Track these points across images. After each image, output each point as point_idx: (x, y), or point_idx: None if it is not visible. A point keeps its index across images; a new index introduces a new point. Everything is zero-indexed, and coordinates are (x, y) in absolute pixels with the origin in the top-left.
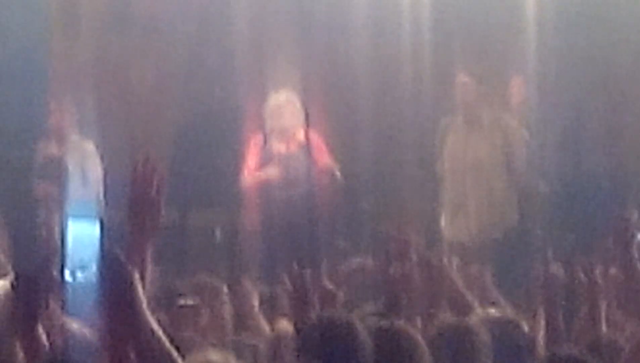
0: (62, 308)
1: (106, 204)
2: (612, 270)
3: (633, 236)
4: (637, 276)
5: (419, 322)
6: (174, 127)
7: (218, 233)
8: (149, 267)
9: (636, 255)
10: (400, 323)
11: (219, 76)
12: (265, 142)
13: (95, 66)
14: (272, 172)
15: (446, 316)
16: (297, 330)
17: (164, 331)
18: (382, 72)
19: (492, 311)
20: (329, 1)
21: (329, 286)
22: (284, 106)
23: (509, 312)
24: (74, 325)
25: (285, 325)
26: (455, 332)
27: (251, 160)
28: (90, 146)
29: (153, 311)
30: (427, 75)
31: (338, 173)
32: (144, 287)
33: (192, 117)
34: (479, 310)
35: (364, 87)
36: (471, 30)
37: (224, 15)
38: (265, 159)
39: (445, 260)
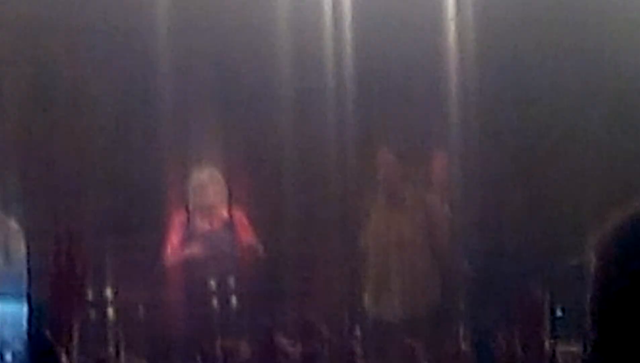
0: None
1: (30, 282)
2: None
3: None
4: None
5: None
6: (98, 203)
7: (141, 310)
8: (76, 344)
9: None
10: None
11: (143, 151)
12: (188, 219)
13: (18, 143)
14: (196, 250)
15: None
16: None
17: None
18: (305, 148)
19: None
20: (253, 77)
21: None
22: (207, 183)
23: None
24: None
25: None
26: None
27: (174, 238)
28: (13, 224)
29: None
30: (350, 151)
31: (261, 251)
32: None
33: (116, 193)
34: None
35: (288, 164)
36: (394, 105)
37: (147, 90)
38: (189, 237)
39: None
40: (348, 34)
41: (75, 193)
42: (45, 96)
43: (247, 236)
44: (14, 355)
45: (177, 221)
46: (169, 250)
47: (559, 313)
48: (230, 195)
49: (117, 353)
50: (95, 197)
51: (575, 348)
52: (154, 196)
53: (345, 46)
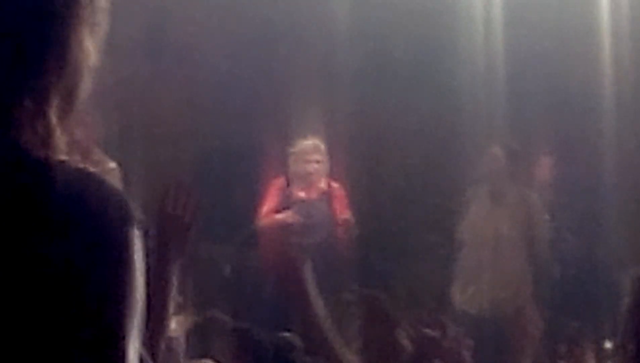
0: None
1: None
2: None
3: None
4: None
5: None
6: (195, 158)
7: (227, 269)
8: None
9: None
10: None
11: (246, 114)
12: (287, 186)
13: (123, 88)
14: (290, 216)
15: None
16: None
17: None
18: (412, 131)
19: None
20: (364, 53)
21: None
22: (310, 152)
23: None
24: None
25: None
26: None
27: (270, 202)
28: (112, 165)
29: None
30: (458, 141)
31: (354, 227)
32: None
33: (214, 151)
34: None
35: (392, 144)
36: (511, 101)
37: (256, 55)
38: (285, 203)
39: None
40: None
41: (173, 145)
42: (155, 46)
43: (342, 209)
44: None
45: (275, 186)
46: (263, 213)
47: None
48: (331, 167)
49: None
50: (194, 151)
51: None
52: (253, 158)
53: (479, 39)
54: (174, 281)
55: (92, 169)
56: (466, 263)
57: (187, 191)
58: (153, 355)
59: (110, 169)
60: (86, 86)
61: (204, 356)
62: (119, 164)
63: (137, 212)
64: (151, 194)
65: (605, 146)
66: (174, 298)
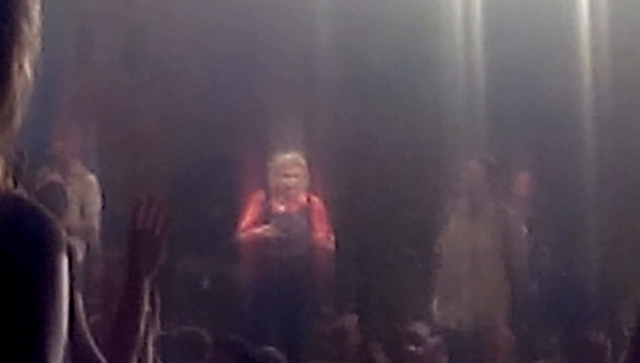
0: None
1: (101, 238)
2: None
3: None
4: None
5: None
6: (173, 171)
7: (206, 282)
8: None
9: None
10: None
11: (224, 128)
12: (266, 200)
13: (102, 99)
14: (269, 230)
15: None
16: None
17: None
18: (391, 145)
19: None
20: (344, 67)
21: None
22: (289, 166)
23: None
24: None
25: None
26: None
27: (250, 215)
28: (91, 178)
29: None
30: (437, 155)
31: (333, 241)
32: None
33: (192, 164)
34: None
35: (371, 159)
36: (489, 117)
37: (234, 69)
38: (264, 217)
39: None
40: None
41: (152, 156)
42: (134, 57)
43: (321, 223)
44: None
45: (255, 199)
46: (242, 227)
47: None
48: (311, 181)
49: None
50: (172, 163)
51: None
52: (231, 171)
53: (458, 54)
54: (146, 294)
55: (24, 195)
56: (445, 277)
57: (158, 205)
58: None
59: (89, 182)
60: (24, 110)
61: None
62: (98, 177)
63: (65, 237)
64: (129, 206)
65: (583, 161)
66: (146, 311)
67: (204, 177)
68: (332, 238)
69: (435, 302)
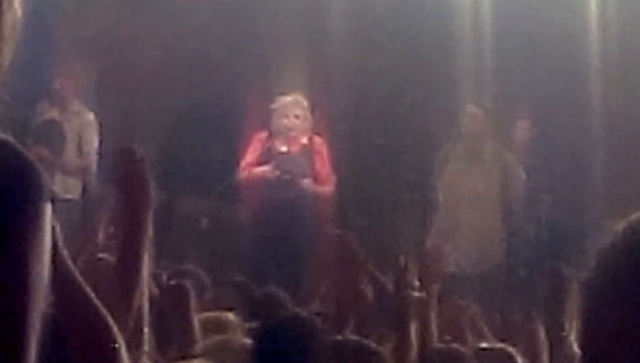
0: None
1: (98, 177)
2: None
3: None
4: None
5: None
6: (174, 111)
7: (204, 222)
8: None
9: None
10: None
11: (225, 68)
12: (268, 140)
13: (104, 38)
14: (269, 170)
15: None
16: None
17: None
18: (393, 88)
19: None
20: (347, 10)
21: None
22: (292, 107)
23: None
24: None
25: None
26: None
27: (251, 155)
28: (90, 116)
29: None
30: (436, 99)
31: (334, 182)
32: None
33: (193, 104)
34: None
35: (373, 101)
36: (489, 64)
37: (237, 9)
38: (265, 157)
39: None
40: None
41: (153, 97)
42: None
43: (322, 164)
44: None
45: (257, 140)
46: (242, 166)
47: None
48: (313, 123)
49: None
50: (173, 104)
51: None
52: (232, 112)
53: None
54: (149, 232)
55: (7, 138)
56: (442, 221)
57: (139, 154)
58: (128, 310)
59: (87, 120)
60: (13, 46)
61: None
62: (97, 115)
63: (49, 184)
64: (127, 145)
65: (584, 108)
66: (148, 250)
67: (205, 118)
68: (333, 179)
69: (431, 246)
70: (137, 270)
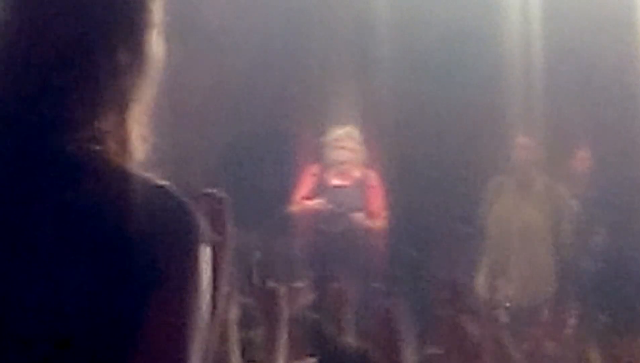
0: None
1: None
2: None
3: None
4: None
5: None
6: (225, 143)
7: (258, 256)
8: None
9: None
10: None
11: (277, 100)
12: (320, 173)
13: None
14: (321, 203)
15: None
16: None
17: None
18: (444, 119)
19: None
20: (399, 41)
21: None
22: (344, 140)
23: None
24: None
25: None
26: None
27: (303, 188)
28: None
29: None
30: (487, 130)
31: (387, 216)
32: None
33: (244, 137)
34: None
35: (424, 134)
36: (542, 93)
37: (288, 42)
38: (317, 190)
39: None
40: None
41: (203, 128)
42: (187, 27)
43: (375, 199)
44: None
45: (309, 173)
46: (295, 200)
47: None
48: (365, 155)
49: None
50: (223, 136)
51: None
52: (287, 145)
53: (514, 28)
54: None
55: (166, 183)
56: (493, 254)
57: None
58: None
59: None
60: (155, 88)
61: None
62: (149, 149)
63: (205, 227)
64: (180, 179)
65: None
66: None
67: (257, 151)
68: (385, 214)
69: (483, 279)
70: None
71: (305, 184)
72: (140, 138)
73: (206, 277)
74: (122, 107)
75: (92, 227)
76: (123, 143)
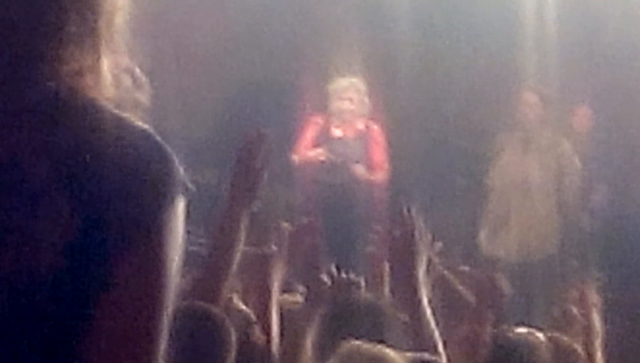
0: None
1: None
2: None
3: None
4: None
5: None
6: (229, 91)
7: (257, 204)
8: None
9: None
10: None
11: (281, 49)
12: (323, 123)
13: (158, 17)
14: (322, 153)
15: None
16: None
17: None
18: (450, 74)
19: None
20: None
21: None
22: (349, 91)
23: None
24: None
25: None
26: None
27: (306, 138)
28: (142, 98)
29: None
30: (492, 85)
31: (387, 169)
32: None
33: (248, 84)
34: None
35: (428, 88)
36: (548, 50)
37: None
38: (320, 141)
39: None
40: None
41: (205, 78)
42: None
43: (377, 151)
44: None
45: (312, 123)
46: (296, 149)
47: None
48: (369, 107)
49: None
50: (225, 86)
51: None
52: (291, 94)
53: None
54: (243, 226)
55: (148, 128)
56: (495, 209)
57: (263, 140)
58: (215, 300)
59: (140, 100)
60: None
61: None
62: (150, 93)
63: (184, 177)
64: (182, 125)
65: None
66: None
67: (260, 98)
68: (387, 166)
69: (484, 233)
70: (230, 259)
71: (308, 134)
72: (123, 72)
73: (182, 229)
74: (97, 39)
75: (66, 166)
76: (99, 79)
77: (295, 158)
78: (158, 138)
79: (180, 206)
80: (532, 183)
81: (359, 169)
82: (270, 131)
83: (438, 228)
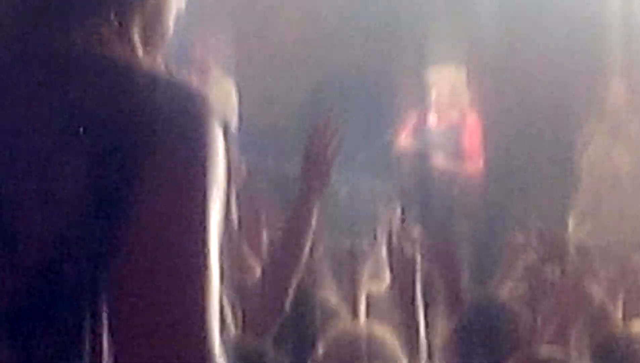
0: None
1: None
2: None
3: None
4: None
5: None
6: (317, 80)
7: (343, 194)
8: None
9: None
10: None
11: (375, 36)
12: (420, 113)
13: (245, 4)
14: (416, 145)
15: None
16: None
17: None
18: (539, 63)
19: None
20: None
21: None
22: (447, 81)
23: None
24: None
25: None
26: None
27: (400, 127)
28: (229, 85)
29: None
30: (581, 73)
31: (481, 163)
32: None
33: (335, 72)
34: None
35: (518, 75)
36: (637, 36)
37: None
38: (416, 131)
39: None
40: None
41: (293, 67)
42: None
43: (472, 142)
44: None
45: (409, 112)
46: (390, 137)
47: None
48: (468, 98)
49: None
50: (314, 76)
51: None
52: (385, 83)
53: None
54: (314, 214)
55: (172, 76)
56: (585, 197)
57: (333, 128)
58: (286, 290)
59: (227, 89)
60: (172, 12)
61: None
62: (237, 84)
63: (218, 108)
64: (266, 115)
65: None
66: (312, 230)
67: (350, 87)
68: (481, 159)
69: (573, 222)
70: (301, 248)
71: (402, 123)
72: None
73: (223, 161)
74: (127, 18)
75: (97, 127)
76: (129, 52)
77: (392, 148)
78: (188, 83)
79: (219, 131)
80: (622, 172)
81: (454, 160)
82: (361, 121)
83: (528, 218)
